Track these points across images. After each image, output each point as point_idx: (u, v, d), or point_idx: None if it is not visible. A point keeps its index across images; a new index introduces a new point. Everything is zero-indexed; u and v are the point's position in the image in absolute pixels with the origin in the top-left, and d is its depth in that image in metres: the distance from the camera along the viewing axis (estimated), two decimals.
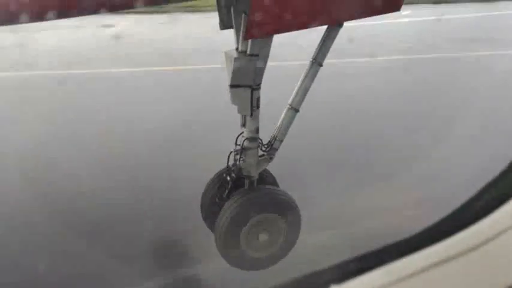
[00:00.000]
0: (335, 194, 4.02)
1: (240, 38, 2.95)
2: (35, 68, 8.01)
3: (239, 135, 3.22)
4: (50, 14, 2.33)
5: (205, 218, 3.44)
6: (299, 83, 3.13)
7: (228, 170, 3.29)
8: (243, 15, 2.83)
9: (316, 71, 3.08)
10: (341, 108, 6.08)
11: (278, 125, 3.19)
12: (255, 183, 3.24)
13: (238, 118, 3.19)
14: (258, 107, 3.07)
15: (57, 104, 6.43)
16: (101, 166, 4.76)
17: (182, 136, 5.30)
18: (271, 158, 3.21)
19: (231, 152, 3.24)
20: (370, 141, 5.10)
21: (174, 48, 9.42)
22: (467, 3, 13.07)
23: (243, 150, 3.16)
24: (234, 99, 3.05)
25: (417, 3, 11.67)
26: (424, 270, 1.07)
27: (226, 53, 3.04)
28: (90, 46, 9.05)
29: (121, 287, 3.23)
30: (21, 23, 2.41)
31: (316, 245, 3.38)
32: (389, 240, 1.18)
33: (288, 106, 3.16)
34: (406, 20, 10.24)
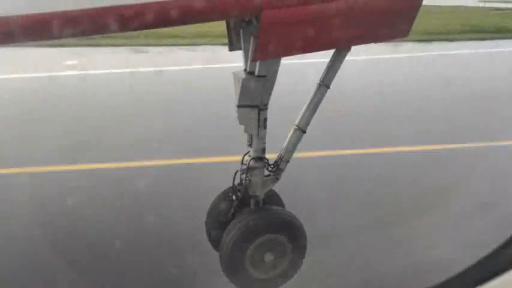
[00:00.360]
0: None
1: (249, 59, 3.00)
2: None
3: (245, 155, 3.24)
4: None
5: (210, 237, 3.44)
6: (306, 104, 3.16)
7: (233, 189, 3.30)
8: (252, 37, 2.88)
9: (323, 93, 3.11)
10: None
11: (285, 145, 3.21)
12: (261, 203, 3.24)
13: None
14: (264, 127, 3.09)
15: None
16: None
17: None
18: (277, 179, 3.22)
19: (237, 171, 3.26)
20: None
21: None
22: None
23: (249, 169, 3.17)
24: (241, 119, 3.08)
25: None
26: None
27: (234, 74, 3.08)
28: None
29: None
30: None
31: None
32: None
33: (294, 127, 3.18)
34: None
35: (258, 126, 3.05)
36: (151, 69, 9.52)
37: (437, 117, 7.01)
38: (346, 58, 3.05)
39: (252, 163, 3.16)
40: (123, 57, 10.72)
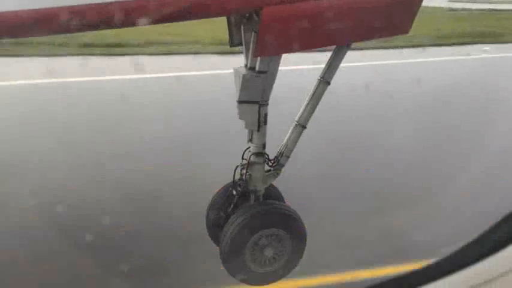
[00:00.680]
0: None
1: (249, 55, 3.00)
2: None
3: (246, 150, 3.25)
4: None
5: (210, 232, 3.46)
6: (306, 100, 3.17)
7: (234, 184, 3.32)
8: (253, 33, 2.89)
9: (324, 89, 3.12)
10: None
11: (285, 141, 3.22)
12: (261, 198, 3.26)
13: None
14: (265, 122, 3.11)
15: None
16: None
17: None
18: (277, 174, 3.24)
19: (237, 166, 3.28)
20: None
21: None
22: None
23: (249, 165, 3.19)
24: (242, 115, 3.09)
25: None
26: None
27: (235, 69, 3.09)
28: None
29: None
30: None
31: None
32: None
33: (295, 123, 3.19)
34: None
35: (259, 121, 3.07)
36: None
37: None
38: None
39: (252, 158, 3.17)
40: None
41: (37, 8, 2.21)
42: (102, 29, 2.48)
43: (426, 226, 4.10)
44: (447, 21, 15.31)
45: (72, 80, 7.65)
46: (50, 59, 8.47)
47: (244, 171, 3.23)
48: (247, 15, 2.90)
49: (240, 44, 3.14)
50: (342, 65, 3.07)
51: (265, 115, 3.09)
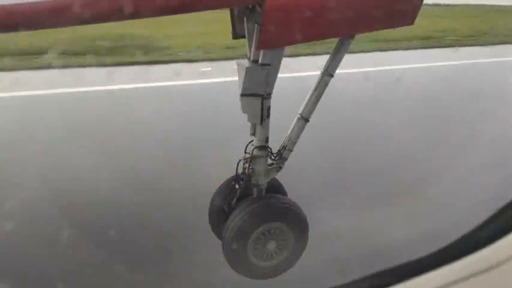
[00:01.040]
0: None
1: (252, 47, 2.98)
2: None
3: (248, 144, 3.24)
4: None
5: (212, 226, 3.45)
6: (310, 93, 3.15)
7: (236, 178, 3.31)
8: (256, 25, 2.86)
9: (327, 82, 3.09)
10: None
11: (288, 134, 3.21)
12: (264, 192, 3.25)
13: None
14: (268, 116, 3.08)
15: None
16: None
17: None
18: (280, 168, 3.22)
19: (240, 160, 3.26)
20: None
21: None
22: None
23: (252, 158, 3.18)
24: (245, 108, 3.07)
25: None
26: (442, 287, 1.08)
27: (238, 62, 3.07)
28: None
29: None
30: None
31: None
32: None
33: (298, 116, 3.17)
34: None
35: (262, 115, 3.05)
36: None
37: None
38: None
39: (255, 152, 3.16)
40: None
41: None
42: (113, 20, 2.47)
43: None
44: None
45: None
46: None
47: (246, 164, 3.22)
48: (250, 7, 2.86)
49: (243, 36, 3.11)
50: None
51: (268, 108, 3.07)
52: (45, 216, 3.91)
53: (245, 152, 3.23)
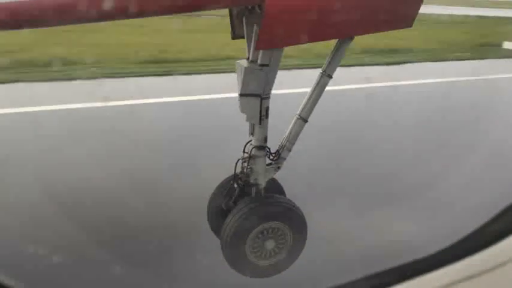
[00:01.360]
0: None
1: (251, 48, 2.99)
2: None
3: (247, 143, 3.25)
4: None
5: (211, 225, 3.47)
6: (308, 94, 3.17)
7: (235, 177, 3.33)
8: (255, 25, 2.87)
9: (326, 83, 3.11)
10: None
11: (286, 134, 3.22)
12: (262, 192, 3.27)
13: None
14: (266, 116, 3.10)
15: None
16: None
17: None
18: (278, 167, 3.24)
19: (239, 159, 3.28)
20: None
21: None
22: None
23: (250, 158, 3.19)
24: (244, 108, 3.09)
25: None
26: (447, 285, 1.10)
27: (237, 63, 3.08)
28: None
29: None
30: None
31: None
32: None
33: (296, 116, 3.19)
34: None
35: (260, 115, 3.06)
36: None
37: None
38: None
39: (253, 152, 3.18)
40: None
41: None
42: (118, 18, 2.48)
43: None
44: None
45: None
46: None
47: (245, 164, 3.24)
48: (249, 7, 2.88)
49: (242, 36, 3.13)
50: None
51: (267, 108, 3.08)
52: None
53: (244, 152, 3.25)
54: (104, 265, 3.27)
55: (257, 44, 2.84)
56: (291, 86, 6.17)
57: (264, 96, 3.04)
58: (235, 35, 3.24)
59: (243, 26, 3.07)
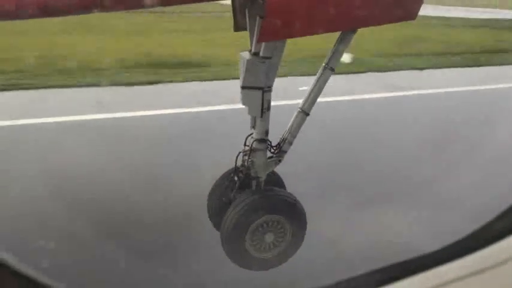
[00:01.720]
0: None
1: (254, 40, 2.98)
2: None
3: (248, 136, 3.25)
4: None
5: (211, 218, 3.47)
6: (310, 87, 3.15)
7: (235, 170, 3.32)
8: (258, 18, 2.86)
9: (328, 76, 3.10)
10: None
11: (288, 127, 3.22)
12: (262, 185, 3.27)
13: None
14: (268, 109, 3.10)
15: None
16: None
17: None
18: (279, 160, 3.24)
19: (240, 152, 3.28)
20: None
21: None
22: None
23: (251, 151, 3.19)
24: (245, 101, 3.08)
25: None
26: (445, 284, 1.09)
27: (240, 55, 3.07)
28: None
29: None
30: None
31: None
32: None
33: (298, 109, 3.18)
34: None
35: (262, 108, 3.06)
36: None
37: None
38: None
39: (254, 145, 3.17)
40: None
41: None
42: (117, 10, 2.47)
43: None
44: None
45: None
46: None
47: (246, 157, 3.23)
48: None
49: (245, 28, 3.11)
50: None
51: (269, 101, 3.08)
52: None
53: (244, 145, 3.25)
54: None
55: (259, 36, 2.82)
56: None
57: (266, 89, 3.03)
58: (238, 28, 3.23)
59: (245, 18, 3.06)
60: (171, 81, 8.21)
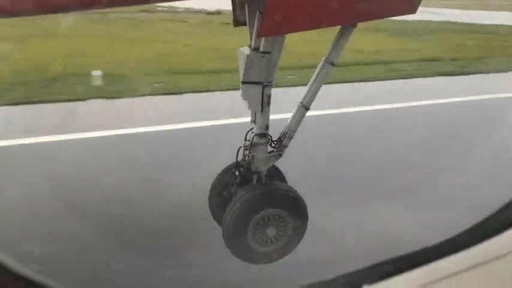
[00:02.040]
0: None
1: (254, 35, 2.98)
2: None
3: (249, 131, 3.26)
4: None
5: (213, 212, 3.49)
6: (311, 81, 3.16)
7: (236, 165, 3.34)
8: (257, 12, 2.86)
9: (328, 70, 3.10)
10: None
11: (288, 122, 3.23)
12: (263, 179, 3.28)
13: None
14: (268, 103, 3.11)
15: None
16: None
17: None
18: (280, 155, 3.25)
19: (240, 147, 3.29)
20: None
21: None
22: None
23: (252, 145, 3.20)
24: (245, 96, 3.09)
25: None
26: (446, 277, 1.11)
27: (239, 50, 3.07)
28: None
29: None
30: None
31: None
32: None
33: (298, 104, 3.19)
34: None
35: (262, 102, 3.07)
36: None
37: None
38: None
39: (255, 139, 3.18)
40: None
41: None
42: (120, 5, 2.47)
43: None
44: None
45: None
46: None
47: (247, 152, 3.25)
48: None
49: (245, 24, 3.11)
50: None
51: (269, 96, 3.09)
52: None
53: (245, 140, 3.26)
54: None
55: (259, 31, 2.82)
56: None
57: (266, 84, 3.04)
58: (238, 23, 3.22)
59: (245, 13, 3.06)
60: None
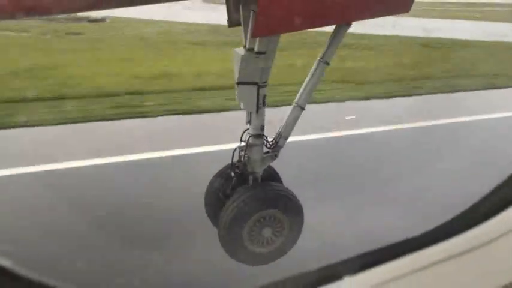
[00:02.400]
0: None
1: (248, 35, 2.98)
2: None
3: (244, 132, 3.25)
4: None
5: (208, 213, 3.48)
6: (305, 81, 3.16)
7: (232, 166, 3.33)
8: (252, 12, 2.86)
9: (323, 70, 3.10)
10: None
11: (284, 122, 3.22)
12: (259, 180, 3.27)
13: None
14: (263, 104, 3.10)
15: None
16: None
17: None
18: (275, 155, 3.24)
19: (236, 148, 3.28)
20: None
21: None
22: None
23: (247, 146, 3.19)
24: (241, 96, 3.08)
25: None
26: (429, 266, 1.11)
27: (234, 51, 3.07)
28: None
29: None
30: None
31: None
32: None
33: (293, 104, 3.18)
34: None
35: (257, 103, 3.06)
36: None
37: None
38: None
39: (251, 140, 3.17)
40: None
41: None
42: (123, 6, 2.46)
43: None
44: None
45: None
46: None
47: (242, 153, 3.23)
48: None
49: (239, 24, 3.11)
50: None
51: (264, 97, 3.08)
52: None
53: (241, 140, 3.25)
54: None
55: (253, 31, 2.82)
56: None
57: (261, 85, 3.03)
58: (232, 23, 3.22)
59: (239, 13, 3.06)
60: None
